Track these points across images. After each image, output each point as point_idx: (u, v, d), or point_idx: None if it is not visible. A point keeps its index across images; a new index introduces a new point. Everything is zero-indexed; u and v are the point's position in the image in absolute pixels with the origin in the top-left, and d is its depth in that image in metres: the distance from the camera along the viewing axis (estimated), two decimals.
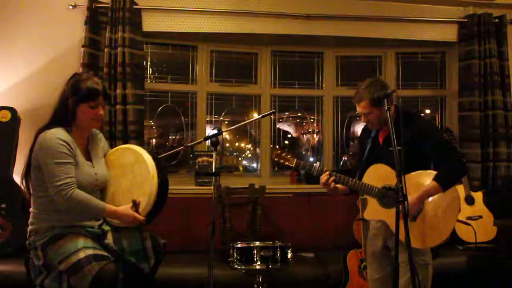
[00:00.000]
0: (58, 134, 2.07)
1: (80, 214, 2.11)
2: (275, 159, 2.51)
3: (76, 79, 2.17)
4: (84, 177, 2.13)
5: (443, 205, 2.29)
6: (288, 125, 4.46)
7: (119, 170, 2.28)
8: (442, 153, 2.31)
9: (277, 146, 2.54)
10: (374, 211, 2.39)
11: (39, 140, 2.07)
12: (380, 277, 2.46)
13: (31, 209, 2.16)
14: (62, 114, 2.14)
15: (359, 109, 2.41)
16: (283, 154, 2.50)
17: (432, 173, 2.30)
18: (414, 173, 2.32)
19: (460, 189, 3.43)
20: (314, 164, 2.48)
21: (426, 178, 2.31)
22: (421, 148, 2.31)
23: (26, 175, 2.13)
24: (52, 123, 2.14)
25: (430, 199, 2.30)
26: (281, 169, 4.13)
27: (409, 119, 2.33)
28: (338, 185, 2.42)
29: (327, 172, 2.40)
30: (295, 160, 2.46)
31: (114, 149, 2.40)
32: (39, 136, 2.08)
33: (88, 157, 2.24)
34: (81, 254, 1.98)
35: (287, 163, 2.48)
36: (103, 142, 2.39)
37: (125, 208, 2.14)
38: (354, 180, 2.39)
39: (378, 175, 2.37)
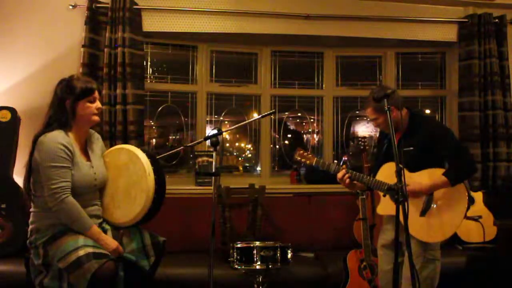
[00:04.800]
0: (57, 137, 2.10)
1: (66, 221, 2.10)
2: (298, 158, 2.69)
3: (68, 80, 2.22)
4: (83, 177, 2.16)
5: (451, 202, 2.44)
6: (288, 125, 4.46)
7: (115, 172, 2.30)
8: (454, 154, 2.46)
9: (298, 147, 2.77)
10: (386, 206, 2.53)
11: (38, 143, 2.10)
12: (391, 268, 2.48)
13: (31, 209, 2.18)
14: (60, 117, 2.16)
15: (368, 115, 2.62)
16: (305, 154, 2.69)
17: (437, 171, 2.43)
18: (417, 172, 2.47)
19: None
20: (332, 163, 2.61)
21: (428, 177, 2.44)
22: (433, 150, 2.46)
23: (28, 179, 2.15)
24: (50, 125, 2.16)
25: (439, 195, 2.44)
26: (281, 169, 4.14)
27: (421, 122, 2.53)
28: (355, 182, 2.56)
29: (344, 170, 2.54)
30: (315, 158, 2.65)
31: (108, 150, 2.42)
32: (38, 139, 2.11)
33: (87, 157, 2.26)
34: (81, 252, 2.00)
35: (308, 161, 2.66)
36: (100, 142, 2.42)
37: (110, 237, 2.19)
38: (368, 177, 2.53)
39: (391, 172, 2.41)
